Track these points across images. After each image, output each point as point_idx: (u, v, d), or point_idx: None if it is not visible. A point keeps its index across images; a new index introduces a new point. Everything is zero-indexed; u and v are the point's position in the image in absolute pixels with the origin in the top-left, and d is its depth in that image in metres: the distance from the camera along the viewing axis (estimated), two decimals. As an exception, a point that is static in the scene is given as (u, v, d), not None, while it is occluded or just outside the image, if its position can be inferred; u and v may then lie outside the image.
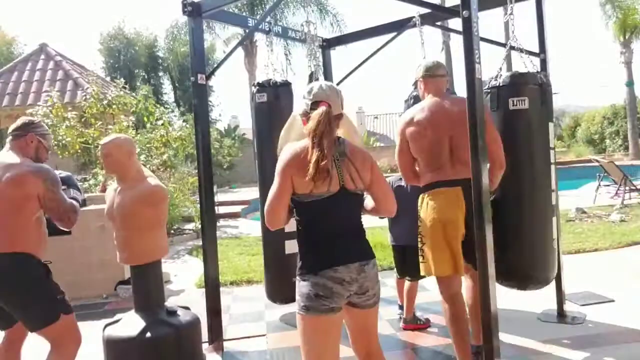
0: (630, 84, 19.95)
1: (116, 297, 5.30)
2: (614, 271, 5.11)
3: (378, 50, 4.50)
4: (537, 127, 3.37)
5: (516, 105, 3.31)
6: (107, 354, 2.96)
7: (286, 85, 3.92)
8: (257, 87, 3.88)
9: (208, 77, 3.72)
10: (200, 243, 3.97)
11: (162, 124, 9.02)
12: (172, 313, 3.02)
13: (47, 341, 2.55)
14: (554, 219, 3.44)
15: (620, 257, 5.65)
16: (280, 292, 4.06)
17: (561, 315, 3.83)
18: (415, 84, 3.21)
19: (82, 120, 8.14)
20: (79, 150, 7.80)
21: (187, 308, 3.24)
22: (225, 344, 3.68)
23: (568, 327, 3.65)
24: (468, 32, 2.57)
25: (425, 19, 4.09)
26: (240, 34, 14.14)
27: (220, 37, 21.58)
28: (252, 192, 12.54)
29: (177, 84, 26.22)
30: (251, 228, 9.47)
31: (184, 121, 12.07)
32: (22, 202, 2.41)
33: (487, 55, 3.12)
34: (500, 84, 3.35)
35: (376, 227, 5.39)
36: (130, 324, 2.94)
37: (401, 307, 3.96)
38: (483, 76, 2.71)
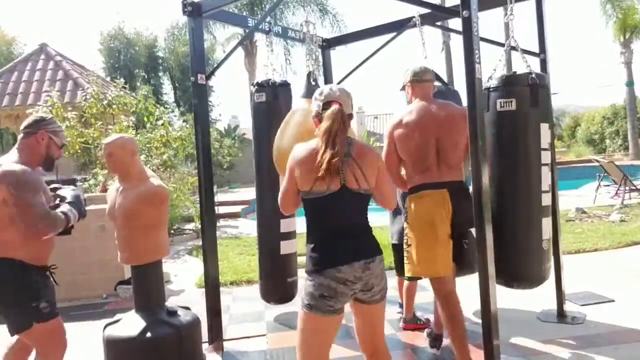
0: (630, 84, 19.94)
1: (116, 297, 5.30)
2: (614, 271, 5.11)
3: (378, 50, 4.50)
4: (526, 129, 3.38)
5: (504, 106, 3.34)
6: (107, 354, 2.96)
7: (285, 85, 3.93)
8: (256, 87, 3.88)
9: (208, 77, 3.72)
10: (200, 243, 3.97)
11: (162, 124, 9.02)
12: (173, 313, 3.02)
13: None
14: (545, 220, 3.44)
15: (620, 257, 5.65)
16: (274, 292, 4.07)
17: (561, 315, 3.83)
18: (403, 88, 3.28)
19: (82, 120, 8.14)
20: (79, 150, 7.81)
21: (187, 308, 3.24)
22: (225, 344, 3.68)
23: (568, 327, 3.65)
24: (468, 32, 2.58)
25: (425, 19, 4.09)
26: (240, 34, 14.14)
27: (219, 40, 21.65)
28: (252, 192, 12.52)
29: (177, 84, 26.20)
30: (251, 228, 9.47)
31: (184, 121, 12.07)
32: None
33: (487, 55, 3.14)
34: (490, 86, 3.38)
35: (376, 227, 5.38)
36: (131, 324, 2.94)
37: (402, 306, 3.96)
38: (483, 76, 2.72)
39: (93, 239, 5.29)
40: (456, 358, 2.97)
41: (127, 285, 5.30)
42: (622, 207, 8.71)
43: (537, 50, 3.80)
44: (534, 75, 3.35)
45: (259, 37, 17.15)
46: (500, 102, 3.35)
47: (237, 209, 11.86)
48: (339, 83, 4.69)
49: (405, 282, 3.77)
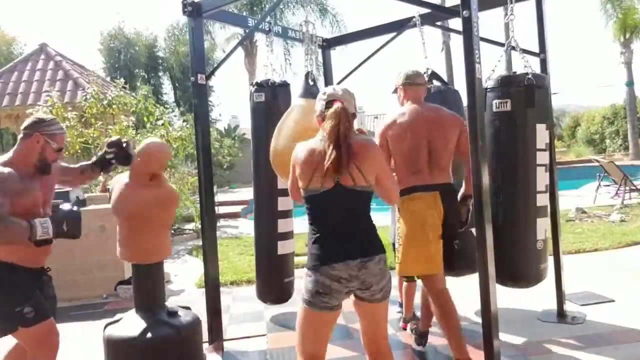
0: (630, 84, 19.94)
1: (116, 297, 5.30)
2: (614, 271, 5.11)
3: (378, 50, 4.50)
4: (521, 129, 3.40)
5: (499, 107, 3.37)
6: (108, 354, 2.95)
7: (284, 85, 3.94)
8: (256, 87, 3.89)
9: (208, 77, 3.72)
10: (200, 243, 3.97)
11: (162, 124, 9.02)
12: (173, 314, 3.02)
13: None
14: (540, 220, 3.46)
15: (620, 257, 5.65)
16: (270, 292, 4.07)
17: (561, 315, 3.83)
18: (396, 90, 3.32)
19: (82, 120, 8.14)
20: (79, 150, 7.80)
21: (187, 308, 3.24)
22: (225, 344, 3.68)
23: (568, 327, 3.65)
24: (468, 32, 2.58)
25: (425, 19, 4.09)
26: (240, 34, 14.14)
27: (218, 42, 21.66)
28: (252, 192, 12.48)
29: (177, 84, 26.21)
30: (251, 228, 9.39)
31: (184, 121, 12.05)
32: None
33: (487, 55, 3.14)
34: (487, 86, 3.40)
35: (378, 227, 5.38)
36: (131, 323, 2.93)
37: (402, 306, 3.97)
38: (483, 76, 2.73)
39: (93, 239, 5.28)
40: (453, 354, 2.99)
41: (127, 285, 5.30)
42: (622, 207, 8.71)
43: (537, 50, 3.79)
44: (530, 76, 3.36)
45: (259, 37, 17.16)
46: (496, 103, 3.38)
47: (237, 209, 11.86)
48: (338, 83, 4.69)
49: (405, 282, 3.78)
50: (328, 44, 4.90)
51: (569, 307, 3.93)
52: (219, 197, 9.92)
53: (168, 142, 8.75)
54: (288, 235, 4.01)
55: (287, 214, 3.96)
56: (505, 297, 3.72)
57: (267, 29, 4.21)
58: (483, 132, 2.68)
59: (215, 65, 5.03)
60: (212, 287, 3.67)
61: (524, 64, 3.48)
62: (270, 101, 3.83)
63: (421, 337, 3.31)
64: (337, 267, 2.08)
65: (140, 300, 3.01)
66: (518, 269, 3.45)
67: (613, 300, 4.14)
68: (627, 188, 9.56)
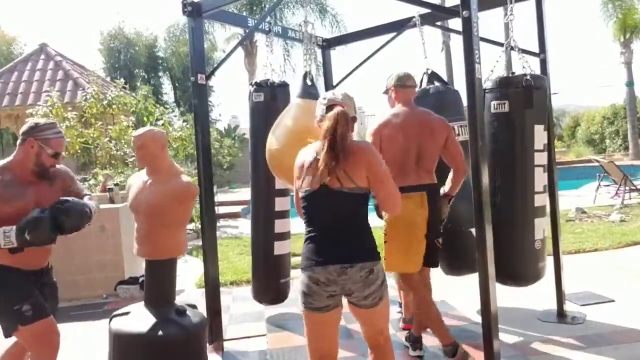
0: (630, 84, 19.93)
1: (116, 297, 5.30)
2: (614, 271, 5.11)
3: (378, 50, 4.50)
4: (519, 130, 3.43)
5: (497, 108, 3.39)
6: (113, 346, 2.91)
7: (283, 85, 3.94)
8: (255, 87, 3.89)
9: (208, 77, 3.72)
10: (200, 243, 3.97)
11: (162, 124, 9.02)
12: (182, 312, 2.99)
13: None
14: (538, 220, 3.50)
15: (620, 257, 5.65)
16: (267, 292, 4.07)
17: (561, 315, 3.83)
18: (386, 91, 3.38)
19: (82, 120, 8.15)
20: (79, 150, 7.81)
21: (194, 307, 3.22)
22: (225, 344, 3.68)
23: (568, 327, 3.65)
24: (468, 32, 2.58)
25: (425, 19, 4.09)
26: (240, 34, 14.14)
27: (215, 43, 21.63)
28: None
29: (177, 84, 26.21)
30: (251, 228, 9.46)
31: (184, 121, 12.05)
32: None
33: (487, 55, 3.15)
34: (485, 87, 3.42)
35: (376, 227, 5.39)
36: (140, 318, 2.89)
37: (401, 306, 3.97)
38: (483, 76, 2.73)
39: (93, 239, 5.28)
40: (438, 339, 3.11)
41: (127, 285, 5.30)
42: (622, 207, 8.71)
43: (537, 50, 3.79)
44: (528, 77, 3.37)
45: (258, 37, 17.14)
46: (495, 104, 3.41)
47: (237, 209, 11.86)
48: (339, 83, 4.70)
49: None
50: (328, 44, 4.90)
51: (569, 307, 3.93)
52: (219, 197, 9.92)
53: (168, 141, 8.76)
54: (285, 236, 4.00)
55: (284, 215, 3.96)
56: (505, 297, 3.72)
57: (267, 29, 4.21)
58: (483, 132, 2.68)
59: (215, 65, 5.03)
60: (212, 287, 3.67)
61: (522, 64, 3.49)
62: (269, 101, 3.83)
63: (416, 342, 3.32)
64: (316, 270, 2.09)
65: (151, 296, 2.97)
66: (517, 268, 3.50)
67: (613, 300, 4.14)
68: (627, 188, 9.56)
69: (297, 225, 4.23)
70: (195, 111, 3.74)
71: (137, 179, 2.99)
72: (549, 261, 3.73)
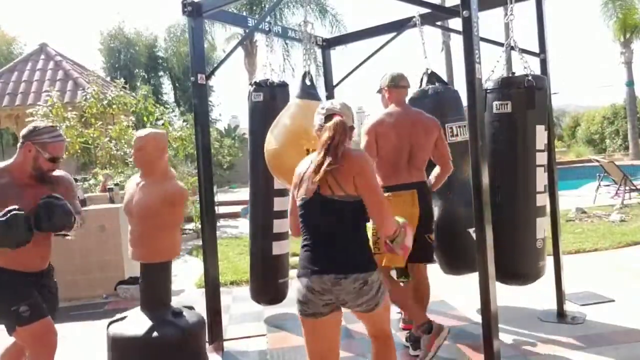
0: (630, 83, 19.93)
1: (116, 297, 5.30)
2: (614, 271, 5.11)
3: (378, 50, 4.50)
4: (522, 131, 3.45)
5: (499, 109, 3.41)
6: (112, 351, 2.93)
7: (283, 85, 3.94)
8: (254, 86, 3.89)
9: (208, 77, 3.72)
10: (200, 243, 3.97)
11: (162, 124, 9.03)
12: (178, 314, 3.00)
13: None
14: (539, 220, 3.54)
15: (620, 257, 5.65)
16: (265, 292, 4.06)
17: (561, 315, 3.83)
18: (380, 91, 3.48)
19: (82, 120, 8.15)
20: (79, 150, 7.81)
21: (191, 308, 3.22)
22: (225, 344, 3.68)
23: (568, 327, 3.65)
24: (468, 32, 2.58)
25: (425, 19, 4.09)
26: (240, 34, 14.14)
27: (214, 43, 21.63)
28: (252, 192, 12.43)
29: (177, 84, 26.21)
30: (251, 228, 9.45)
31: (184, 121, 12.06)
32: None
33: (487, 55, 3.16)
34: (487, 87, 3.43)
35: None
36: (136, 322, 2.91)
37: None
38: (483, 76, 2.74)
39: (93, 239, 5.29)
40: (414, 322, 3.23)
41: (127, 285, 5.30)
42: (622, 207, 8.70)
43: (537, 50, 3.79)
44: (530, 78, 3.38)
45: (258, 37, 17.14)
46: (497, 104, 3.42)
47: (237, 209, 11.85)
48: (339, 83, 4.70)
49: (401, 283, 3.78)
50: (328, 44, 4.90)
51: (569, 307, 3.93)
52: (219, 197, 9.91)
53: (168, 141, 8.76)
54: (283, 236, 4.00)
55: (283, 215, 3.95)
56: (505, 296, 3.73)
57: (267, 29, 4.20)
58: (483, 132, 2.68)
59: (215, 65, 5.03)
60: (212, 287, 3.67)
61: (523, 65, 3.49)
62: (269, 101, 3.83)
63: (416, 342, 3.31)
64: (312, 278, 2.08)
65: (146, 299, 2.99)
66: (520, 267, 3.53)
67: (613, 300, 4.14)
68: (627, 188, 9.55)
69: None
70: (195, 111, 3.74)
71: (131, 182, 3.01)
72: (549, 261, 3.74)
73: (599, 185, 10.48)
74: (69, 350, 3.66)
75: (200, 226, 4.15)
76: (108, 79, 15.57)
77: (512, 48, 3.57)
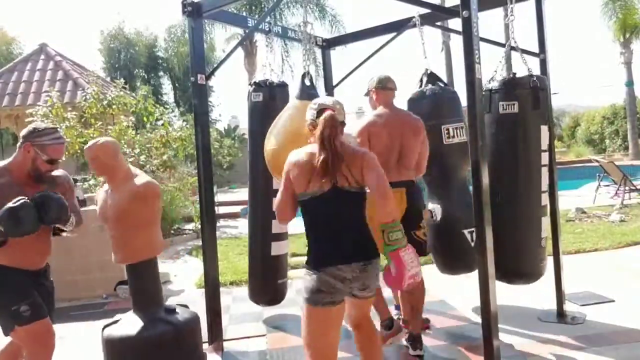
0: (630, 84, 19.93)
1: (116, 297, 5.30)
2: (614, 271, 5.11)
3: (378, 50, 4.50)
4: (527, 131, 3.48)
5: (506, 109, 3.43)
6: (107, 354, 2.95)
7: (282, 85, 3.93)
8: (254, 86, 3.89)
9: (208, 77, 3.72)
10: (200, 243, 3.97)
11: (162, 124, 9.02)
12: (171, 311, 3.01)
13: None
14: (544, 219, 3.59)
15: (620, 257, 5.65)
16: (264, 293, 4.06)
17: (561, 315, 3.83)
18: (368, 93, 3.55)
19: (82, 120, 8.13)
20: (79, 151, 7.79)
21: (185, 306, 3.23)
22: (225, 344, 3.68)
23: (568, 327, 3.65)
24: (468, 32, 2.58)
25: (425, 19, 4.09)
26: (240, 34, 14.14)
27: (213, 43, 21.63)
28: (252, 192, 12.40)
29: (177, 84, 26.21)
30: (251, 228, 9.44)
31: (184, 121, 12.05)
32: None
33: (487, 55, 3.17)
34: (492, 88, 3.45)
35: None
36: (129, 323, 2.93)
37: (397, 308, 3.97)
38: (483, 76, 2.74)
39: (93, 239, 5.27)
40: (379, 315, 3.35)
41: (127, 285, 5.28)
42: (622, 207, 8.70)
43: (537, 51, 3.79)
44: (535, 79, 3.40)
45: (258, 37, 17.14)
46: (503, 105, 3.43)
47: (237, 209, 11.85)
48: (339, 83, 4.70)
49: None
50: (328, 44, 4.90)
51: (569, 307, 3.93)
52: (219, 197, 9.91)
53: (168, 142, 8.76)
54: (282, 236, 4.00)
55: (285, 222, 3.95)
56: (505, 297, 3.73)
57: (267, 29, 4.20)
58: (483, 132, 2.68)
59: (215, 66, 5.02)
60: (212, 287, 3.66)
61: (525, 65, 3.51)
62: (268, 101, 3.83)
63: (415, 341, 3.32)
64: (342, 268, 2.17)
65: (137, 300, 3.00)
66: (527, 265, 3.59)
67: (613, 300, 4.14)
68: (627, 188, 9.55)
69: (295, 226, 4.24)
70: (195, 111, 3.74)
71: (101, 191, 3.03)
72: (549, 261, 3.74)
73: (599, 185, 10.47)
74: (69, 351, 3.67)
75: (200, 226, 4.15)
76: (108, 79, 15.57)
77: (513, 48, 3.57)
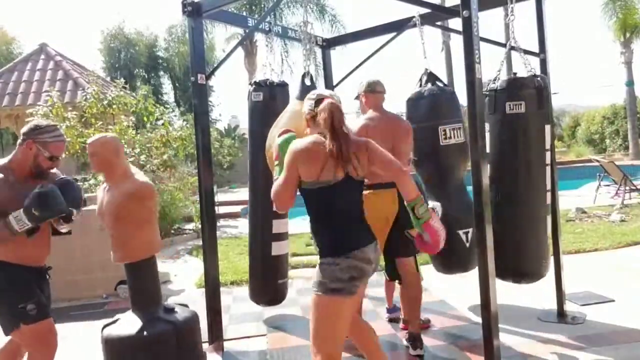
0: (630, 83, 19.92)
1: (116, 297, 5.30)
2: (614, 271, 5.11)
3: (378, 50, 4.50)
4: (534, 131, 3.50)
5: (513, 109, 3.44)
6: (106, 353, 2.95)
7: (283, 85, 3.94)
8: (254, 86, 3.89)
9: (208, 77, 3.72)
10: (200, 243, 3.97)
11: (163, 124, 9.02)
12: (170, 310, 3.02)
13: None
14: (549, 218, 3.62)
15: (620, 257, 5.65)
16: (264, 293, 4.06)
17: (561, 315, 3.83)
18: (357, 97, 3.59)
19: (82, 120, 8.13)
20: (79, 150, 7.79)
21: (185, 305, 3.23)
22: (225, 344, 3.68)
23: (568, 327, 3.65)
24: (468, 32, 2.58)
25: (425, 19, 4.09)
26: (240, 34, 14.14)
27: (213, 43, 21.63)
28: (252, 192, 12.38)
29: (177, 84, 26.21)
30: (251, 228, 9.44)
31: (184, 121, 12.06)
32: None
33: (487, 55, 3.18)
34: (498, 88, 3.45)
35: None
36: (128, 322, 2.93)
37: (389, 311, 3.99)
38: (483, 76, 2.74)
39: (94, 238, 5.28)
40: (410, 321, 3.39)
41: (127, 285, 5.30)
42: (622, 207, 8.70)
43: (537, 50, 3.80)
44: (539, 79, 3.42)
45: (258, 37, 17.15)
46: (510, 105, 3.45)
47: (237, 209, 11.86)
48: (339, 83, 4.71)
49: (398, 285, 3.78)
50: (328, 44, 4.90)
51: (569, 307, 3.93)
52: (219, 197, 9.92)
53: (168, 141, 8.76)
54: (283, 236, 3.99)
55: (282, 215, 3.96)
56: (506, 296, 3.73)
57: (267, 29, 4.21)
58: (483, 132, 2.68)
59: (215, 65, 5.02)
60: (212, 287, 3.67)
61: (527, 65, 3.51)
62: (268, 101, 3.84)
63: (415, 340, 3.32)
64: (365, 250, 2.19)
65: (136, 300, 2.99)
66: (535, 264, 3.61)
67: (613, 300, 4.14)
68: (627, 188, 9.55)
69: (295, 226, 4.23)
70: (195, 111, 3.74)
71: (100, 189, 3.04)
72: (549, 261, 3.74)
73: (599, 185, 10.47)
74: (70, 350, 3.67)
75: (200, 226, 4.15)
76: (108, 79, 15.56)
77: (513, 48, 3.57)
